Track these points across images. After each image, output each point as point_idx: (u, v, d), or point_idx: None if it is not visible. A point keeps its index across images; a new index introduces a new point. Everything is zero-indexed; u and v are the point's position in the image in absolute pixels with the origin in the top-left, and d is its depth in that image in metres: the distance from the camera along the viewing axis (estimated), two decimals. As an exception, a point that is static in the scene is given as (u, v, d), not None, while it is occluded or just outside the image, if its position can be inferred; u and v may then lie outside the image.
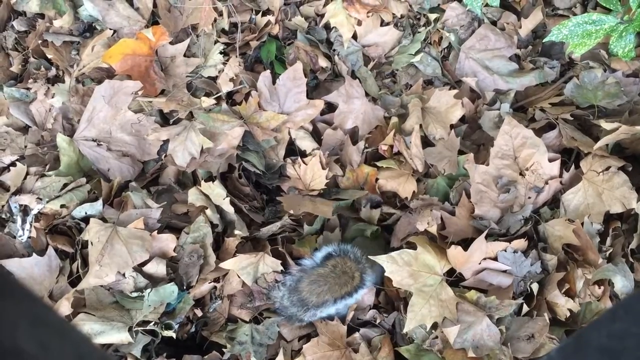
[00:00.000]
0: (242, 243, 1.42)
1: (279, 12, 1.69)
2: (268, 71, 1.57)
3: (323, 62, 1.67)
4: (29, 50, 1.70)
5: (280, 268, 1.37)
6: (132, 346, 1.30)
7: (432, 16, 1.69)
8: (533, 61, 1.64)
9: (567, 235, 1.32)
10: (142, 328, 1.31)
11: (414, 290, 1.28)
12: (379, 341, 1.32)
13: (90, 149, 1.54)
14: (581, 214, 1.36)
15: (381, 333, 1.34)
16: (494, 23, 1.67)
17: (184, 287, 1.37)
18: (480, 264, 1.31)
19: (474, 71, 1.64)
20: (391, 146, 1.53)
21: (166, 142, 1.55)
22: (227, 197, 1.44)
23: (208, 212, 1.44)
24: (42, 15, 1.72)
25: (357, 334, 1.34)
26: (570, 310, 1.28)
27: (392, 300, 1.41)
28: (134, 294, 1.33)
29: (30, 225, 1.39)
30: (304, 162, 1.53)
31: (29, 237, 1.40)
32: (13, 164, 1.52)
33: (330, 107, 1.64)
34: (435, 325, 1.27)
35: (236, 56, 1.63)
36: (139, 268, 1.34)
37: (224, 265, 1.36)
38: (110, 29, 1.65)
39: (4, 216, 1.43)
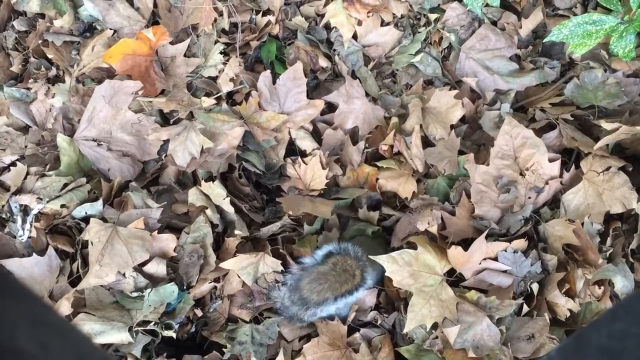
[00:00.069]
0: (242, 243, 1.42)
1: (279, 12, 1.69)
2: (268, 71, 1.57)
3: (323, 62, 1.67)
4: (30, 50, 1.70)
5: (281, 268, 1.37)
6: (132, 346, 1.30)
7: (433, 16, 1.69)
8: (533, 61, 1.64)
9: (567, 236, 1.32)
10: (142, 328, 1.31)
11: (414, 290, 1.28)
12: (379, 341, 1.32)
13: (90, 149, 1.54)
14: (581, 214, 1.36)
15: (381, 333, 1.34)
16: (494, 23, 1.67)
17: (184, 287, 1.37)
18: (480, 264, 1.31)
19: (474, 71, 1.64)
20: (391, 146, 1.53)
21: (166, 142, 1.55)
22: (227, 197, 1.44)
23: (208, 212, 1.44)
24: (42, 15, 1.72)
25: (357, 334, 1.34)
26: (570, 311, 1.28)
27: (392, 300, 1.41)
28: (134, 294, 1.34)
29: (31, 225, 1.39)
30: (304, 162, 1.53)
31: (29, 237, 1.40)
32: (13, 163, 1.52)
33: (331, 107, 1.64)
34: (435, 326, 1.27)
35: (236, 56, 1.63)
36: (139, 268, 1.34)
37: (224, 265, 1.36)
38: (111, 29, 1.65)
39: (4, 216, 1.43)
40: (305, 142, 1.57)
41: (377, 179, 1.51)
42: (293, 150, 1.59)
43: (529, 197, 1.39)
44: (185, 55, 1.65)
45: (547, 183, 1.39)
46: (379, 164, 1.51)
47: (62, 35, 1.68)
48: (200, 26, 1.65)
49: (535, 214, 1.40)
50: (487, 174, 1.40)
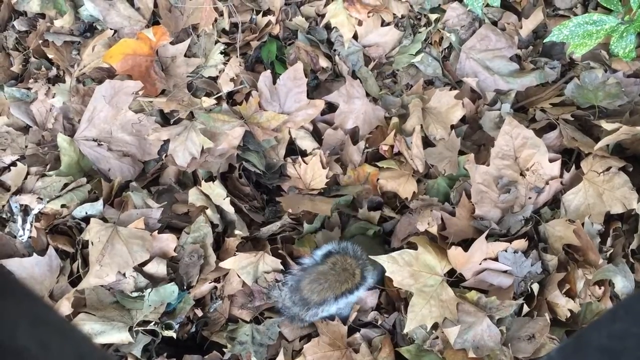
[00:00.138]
0: (243, 243, 1.42)
1: (280, 12, 1.69)
2: (269, 71, 1.58)
3: (324, 62, 1.67)
4: (30, 50, 1.70)
5: (281, 267, 1.37)
6: (133, 346, 1.30)
7: (433, 16, 1.69)
8: (534, 61, 1.64)
9: (567, 236, 1.32)
10: (142, 328, 1.31)
11: (415, 290, 1.28)
12: (380, 341, 1.32)
13: (90, 149, 1.54)
14: (582, 214, 1.36)
15: (382, 333, 1.34)
16: (494, 23, 1.67)
17: (185, 287, 1.37)
18: (480, 264, 1.31)
19: (474, 71, 1.64)
20: (392, 146, 1.53)
21: (167, 142, 1.55)
22: (227, 197, 1.44)
23: (208, 212, 1.44)
24: (42, 15, 1.72)
25: (357, 334, 1.34)
26: (570, 311, 1.28)
27: (392, 300, 1.41)
28: (135, 294, 1.34)
29: (31, 225, 1.39)
30: (304, 162, 1.53)
31: (30, 237, 1.40)
32: (14, 163, 1.52)
33: (331, 107, 1.64)
34: (435, 326, 1.27)
35: (237, 56, 1.63)
36: (139, 268, 1.34)
37: (224, 264, 1.36)
38: (111, 29, 1.66)
39: (4, 216, 1.43)
40: (306, 142, 1.57)
41: (377, 179, 1.51)
42: (293, 150, 1.59)
43: (530, 198, 1.39)
44: (185, 55, 1.65)
45: (547, 183, 1.39)
46: (379, 164, 1.51)
47: (62, 35, 1.68)
48: (201, 26, 1.65)
49: (536, 214, 1.40)
50: (488, 174, 1.40)
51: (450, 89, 1.59)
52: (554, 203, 1.43)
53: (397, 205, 1.51)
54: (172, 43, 1.64)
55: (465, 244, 1.32)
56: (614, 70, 1.54)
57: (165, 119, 1.61)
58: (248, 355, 1.33)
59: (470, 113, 1.59)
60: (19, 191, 1.44)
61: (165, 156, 1.56)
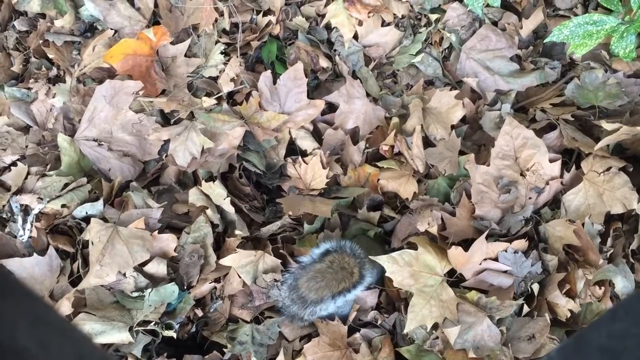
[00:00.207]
0: (243, 243, 1.42)
1: (280, 12, 1.69)
2: (269, 71, 1.58)
3: (324, 62, 1.67)
4: (30, 50, 1.70)
5: (280, 267, 1.37)
6: (133, 346, 1.30)
7: (433, 16, 1.69)
8: (534, 62, 1.64)
9: (567, 236, 1.32)
10: (142, 328, 1.31)
11: (415, 290, 1.28)
12: (380, 341, 1.32)
13: (91, 149, 1.54)
14: (582, 214, 1.36)
15: (382, 333, 1.34)
16: (494, 23, 1.67)
17: (185, 287, 1.38)
18: (480, 264, 1.31)
19: (474, 71, 1.64)
20: (392, 146, 1.53)
21: (167, 142, 1.55)
22: (227, 197, 1.44)
23: (209, 212, 1.44)
24: (43, 15, 1.72)
25: (357, 334, 1.34)
26: (570, 311, 1.28)
27: (392, 300, 1.41)
28: (135, 294, 1.34)
29: (31, 225, 1.39)
30: (304, 162, 1.53)
31: (30, 237, 1.40)
32: (14, 163, 1.52)
33: (331, 107, 1.64)
34: (435, 326, 1.27)
35: (237, 56, 1.63)
36: (139, 268, 1.34)
37: (224, 261, 1.36)
38: (112, 29, 1.66)
39: (5, 216, 1.43)
40: (306, 142, 1.58)
41: (378, 180, 1.51)
42: (293, 150, 1.60)
43: (530, 198, 1.39)
44: (186, 55, 1.65)
45: (547, 183, 1.39)
46: (379, 164, 1.51)
47: (63, 35, 1.68)
48: (201, 26, 1.65)
49: (536, 215, 1.40)
50: (488, 174, 1.40)
51: (451, 89, 1.59)
52: (554, 203, 1.43)
53: (397, 205, 1.51)
54: (172, 43, 1.64)
55: (466, 244, 1.32)
56: (614, 71, 1.54)
57: (166, 119, 1.61)
58: (248, 355, 1.33)
59: (471, 113, 1.59)
60: (20, 191, 1.44)
61: (166, 156, 1.56)
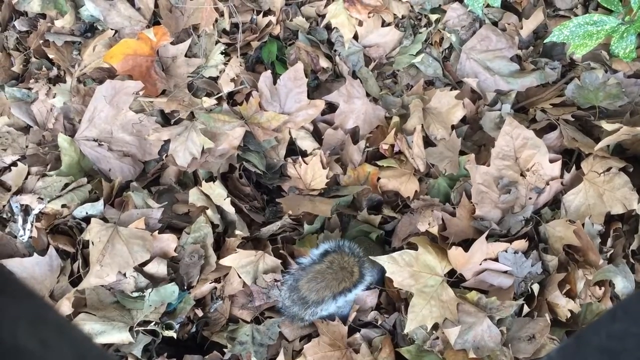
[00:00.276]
0: (243, 243, 1.42)
1: (280, 12, 1.69)
2: (269, 71, 1.58)
3: (324, 63, 1.67)
4: (31, 50, 1.70)
5: (280, 268, 1.37)
6: (133, 346, 1.30)
7: (433, 17, 1.69)
8: (534, 62, 1.64)
9: (567, 236, 1.32)
10: (142, 328, 1.31)
11: (415, 291, 1.28)
12: (380, 342, 1.32)
13: (91, 149, 1.54)
14: (582, 214, 1.36)
15: (382, 334, 1.34)
16: (495, 24, 1.67)
17: (185, 287, 1.38)
18: (481, 264, 1.31)
19: (475, 72, 1.64)
20: (392, 145, 1.53)
21: (167, 142, 1.55)
22: (227, 197, 1.44)
23: (209, 212, 1.44)
24: (43, 16, 1.72)
25: (357, 335, 1.34)
26: (570, 311, 1.28)
27: (393, 301, 1.41)
28: (135, 294, 1.34)
29: (32, 225, 1.39)
30: (304, 162, 1.53)
31: (30, 237, 1.40)
32: (14, 163, 1.52)
33: (331, 108, 1.64)
34: (436, 326, 1.27)
35: (237, 56, 1.63)
36: (139, 268, 1.35)
37: (224, 261, 1.36)
38: (112, 29, 1.66)
39: (5, 216, 1.43)
40: (306, 142, 1.58)
41: (378, 179, 1.51)
42: (293, 150, 1.60)
43: (530, 198, 1.39)
44: (186, 56, 1.65)
45: (547, 184, 1.39)
46: (379, 162, 1.51)
47: (63, 36, 1.68)
48: (201, 26, 1.65)
49: (536, 215, 1.40)
50: (488, 174, 1.40)
51: (451, 90, 1.59)
52: (555, 203, 1.43)
53: (398, 204, 1.51)
54: (172, 43, 1.64)
55: (466, 245, 1.32)
56: (614, 71, 1.54)
57: (166, 119, 1.61)
58: (248, 356, 1.33)
59: (471, 113, 1.59)
60: (20, 191, 1.44)
61: (166, 156, 1.56)
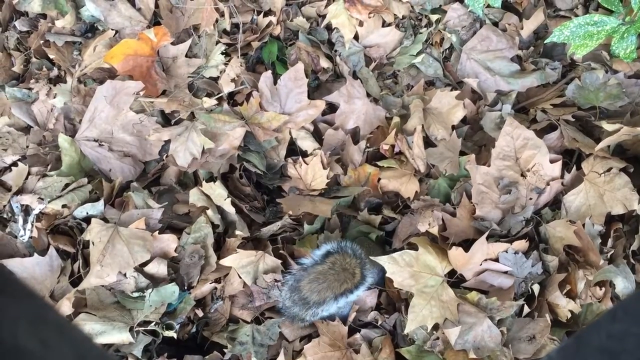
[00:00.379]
0: (243, 243, 1.42)
1: (281, 12, 1.69)
2: (269, 71, 1.58)
3: (324, 63, 1.67)
4: (31, 51, 1.70)
5: (281, 268, 1.37)
6: (133, 346, 1.30)
7: (434, 17, 1.69)
8: (534, 62, 1.64)
9: (568, 237, 1.32)
10: (143, 328, 1.31)
11: (415, 291, 1.28)
12: (380, 342, 1.32)
13: (91, 149, 1.54)
14: (582, 215, 1.36)
15: (382, 334, 1.34)
16: (495, 24, 1.67)
17: (185, 288, 1.38)
18: (481, 265, 1.31)
19: (475, 72, 1.64)
20: (392, 146, 1.53)
21: (167, 142, 1.55)
22: (228, 197, 1.44)
23: (209, 212, 1.44)
24: (44, 16, 1.72)
25: (358, 335, 1.34)
26: (571, 312, 1.28)
27: (393, 301, 1.41)
28: (135, 294, 1.34)
29: (32, 225, 1.40)
30: (305, 162, 1.53)
31: (31, 237, 1.40)
32: (15, 163, 1.52)
33: (332, 108, 1.64)
34: (436, 327, 1.27)
35: (238, 57, 1.63)
36: (140, 268, 1.35)
37: (224, 261, 1.36)
38: (112, 30, 1.66)
39: (5, 216, 1.43)
40: (306, 142, 1.58)
41: (379, 179, 1.51)
42: (294, 151, 1.60)
43: (530, 198, 1.39)
44: (186, 56, 1.65)
45: (548, 184, 1.39)
46: (380, 163, 1.51)
47: (63, 36, 1.69)
48: (202, 27, 1.65)
49: (536, 215, 1.40)
50: (488, 174, 1.40)
51: (451, 90, 1.59)
52: (555, 204, 1.43)
53: (398, 204, 1.51)
54: (173, 43, 1.64)
55: (466, 245, 1.32)
56: (614, 71, 1.54)
57: (166, 120, 1.61)
58: (248, 356, 1.33)
59: (471, 114, 1.59)
60: (20, 191, 1.44)
61: (166, 156, 1.56)
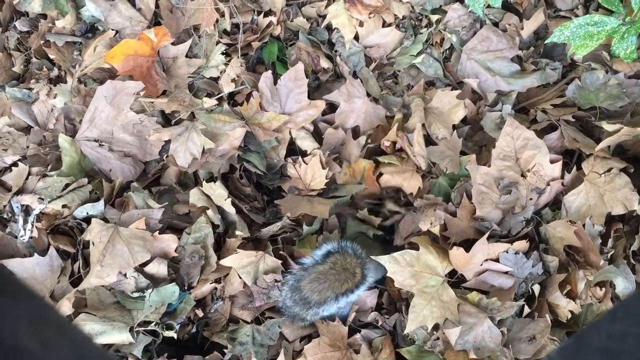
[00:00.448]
0: (244, 244, 1.42)
1: (281, 13, 1.69)
2: (269, 72, 1.58)
3: (325, 63, 1.67)
4: (31, 51, 1.70)
5: (281, 268, 1.37)
6: (133, 346, 1.30)
7: (434, 17, 1.69)
8: (535, 62, 1.64)
9: (568, 237, 1.32)
10: (143, 328, 1.31)
11: (416, 291, 1.28)
12: (380, 342, 1.32)
13: (92, 150, 1.54)
14: (583, 215, 1.36)
15: (382, 334, 1.34)
16: (495, 24, 1.67)
17: (185, 288, 1.38)
18: (481, 265, 1.31)
19: (475, 72, 1.64)
20: (394, 142, 1.53)
21: (168, 142, 1.55)
22: (228, 197, 1.44)
23: (209, 212, 1.44)
24: (44, 16, 1.72)
25: (358, 335, 1.34)
26: (571, 312, 1.28)
27: (393, 301, 1.41)
28: (135, 294, 1.34)
29: (32, 225, 1.40)
30: (304, 162, 1.53)
31: (31, 237, 1.40)
32: (15, 164, 1.52)
33: (332, 108, 1.64)
34: (436, 327, 1.27)
35: (238, 57, 1.63)
36: (140, 268, 1.35)
37: (225, 262, 1.36)
38: (113, 30, 1.66)
39: (5, 216, 1.43)
40: (306, 142, 1.58)
41: (380, 175, 1.50)
42: (294, 150, 1.60)
43: (530, 199, 1.39)
44: (186, 56, 1.65)
45: (548, 184, 1.39)
46: (380, 158, 1.50)
47: (64, 36, 1.69)
48: (202, 27, 1.65)
49: (537, 215, 1.40)
50: (489, 175, 1.40)
51: (452, 90, 1.59)
52: (555, 204, 1.43)
53: (400, 199, 1.51)
54: (173, 44, 1.64)
55: (467, 245, 1.32)
56: (615, 72, 1.54)
57: (167, 120, 1.61)
58: (248, 356, 1.33)
59: (472, 114, 1.59)
60: (20, 191, 1.44)
61: (167, 157, 1.56)
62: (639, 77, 1.52)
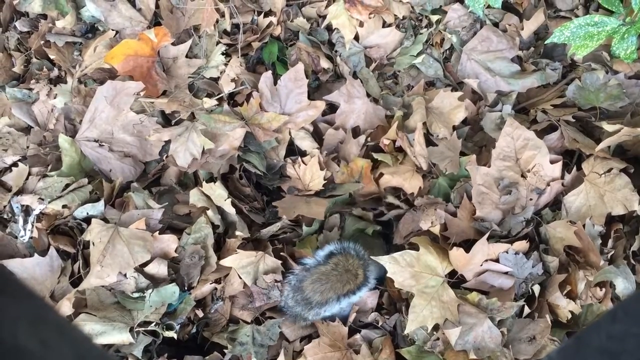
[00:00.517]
0: (244, 244, 1.42)
1: (281, 13, 1.69)
2: (269, 72, 1.58)
3: (325, 63, 1.67)
4: (32, 51, 1.71)
5: (281, 268, 1.37)
6: (133, 347, 1.30)
7: (434, 18, 1.69)
8: (535, 63, 1.64)
9: (568, 237, 1.32)
10: (143, 329, 1.31)
11: (416, 291, 1.28)
12: (380, 342, 1.32)
13: (92, 150, 1.54)
14: (583, 215, 1.36)
15: (382, 334, 1.34)
16: (495, 25, 1.67)
17: (185, 288, 1.38)
18: (481, 265, 1.31)
19: (475, 73, 1.64)
20: (393, 141, 1.52)
21: (168, 142, 1.55)
22: (228, 198, 1.44)
23: (209, 213, 1.44)
24: (44, 16, 1.72)
25: (358, 335, 1.34)
26: (571, 312, 1.28)
27: (393, 301, 1.41)
28: (136, 295, 1.34)
29: (32, 225, 1.40)
30: (303, 162, 1.53)
31: (31, 238, 1.40)
32: (15, 164, 1.52)
33: (332, 108, 1.64)
34: (436, 327, 1.27)
35: (238, 57, 1.63)
36: (140, 269, 1.35)
37: (225, 262, 1.36)
38: (113, 30, 1.66)
39: (5, 216, 1.43)
40: (305, 142, 1.58)
41: (381, 175, 1.50)
42: (294, 151, 1.60)
43: (531, 199, 1.39)
44: (187, 56, 1.65)
45: (548, 185, 1.39)
46: (375, 156, 1.50)
47: (64, 36, 1.69)
48: (202, 27, 1.65)
49: (537, 216, 1.40)
50: (489, 175, 1.40)
51: (452, 90, 1.59)
52: (555, 204, 1.43)
53: (400, 198, 1.51)
54: (173, 44, 1.64)
55: (467, 245, 1.32)
56: (615, 72, 1.54)
57: (167, 120, 1.61)
58: (249, 356, 1.33)
59: (472, 114, 1.59)
60: (20, 192, 1.44)
61: (167, 157, 1.56)
62: (639, 78, 1.52)
